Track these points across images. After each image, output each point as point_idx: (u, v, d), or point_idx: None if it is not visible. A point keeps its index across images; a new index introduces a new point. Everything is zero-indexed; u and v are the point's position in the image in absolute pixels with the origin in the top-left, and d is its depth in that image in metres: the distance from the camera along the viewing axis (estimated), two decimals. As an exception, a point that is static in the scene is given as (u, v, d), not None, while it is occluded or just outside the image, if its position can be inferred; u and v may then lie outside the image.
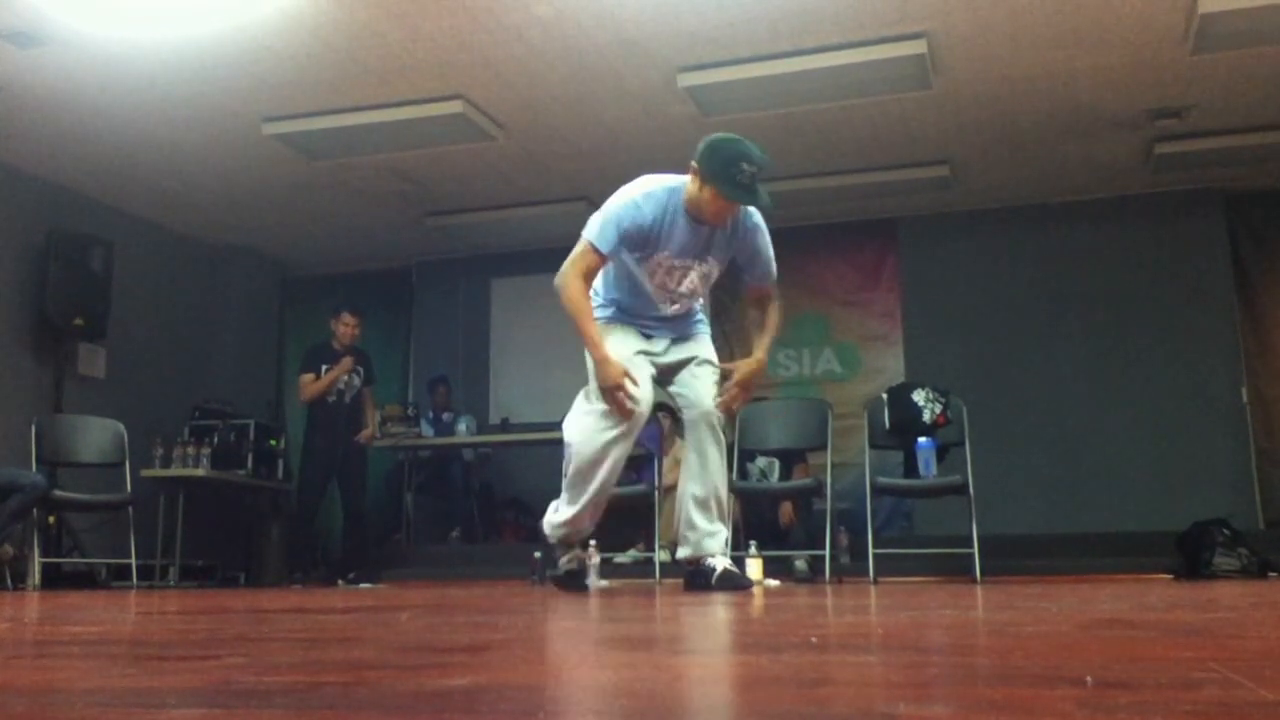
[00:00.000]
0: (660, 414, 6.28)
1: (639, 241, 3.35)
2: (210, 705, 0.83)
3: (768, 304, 3.61)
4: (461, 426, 7.80)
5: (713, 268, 3.49)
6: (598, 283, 3.54)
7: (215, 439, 6.87)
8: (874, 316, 7.72)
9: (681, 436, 6.66)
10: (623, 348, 3.44)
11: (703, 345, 3.64)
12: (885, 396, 5.77)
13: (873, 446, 5.70)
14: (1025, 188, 7.16)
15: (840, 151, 6.34)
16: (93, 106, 5.70)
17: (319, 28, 4.94)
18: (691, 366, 3.55)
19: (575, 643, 1.50)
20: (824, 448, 5.68)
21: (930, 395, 5.64)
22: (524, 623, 1.96)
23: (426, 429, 7.74)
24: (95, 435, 6.11)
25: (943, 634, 1.55)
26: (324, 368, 6.70)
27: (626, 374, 3.36)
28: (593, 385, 3.47)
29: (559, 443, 5.90)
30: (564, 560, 3.74)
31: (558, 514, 3.62)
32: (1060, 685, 0.87)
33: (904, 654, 1.23)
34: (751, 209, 3.44)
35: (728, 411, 3.58)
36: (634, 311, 3.53)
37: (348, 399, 6.73)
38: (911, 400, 5.65)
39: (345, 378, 6.71)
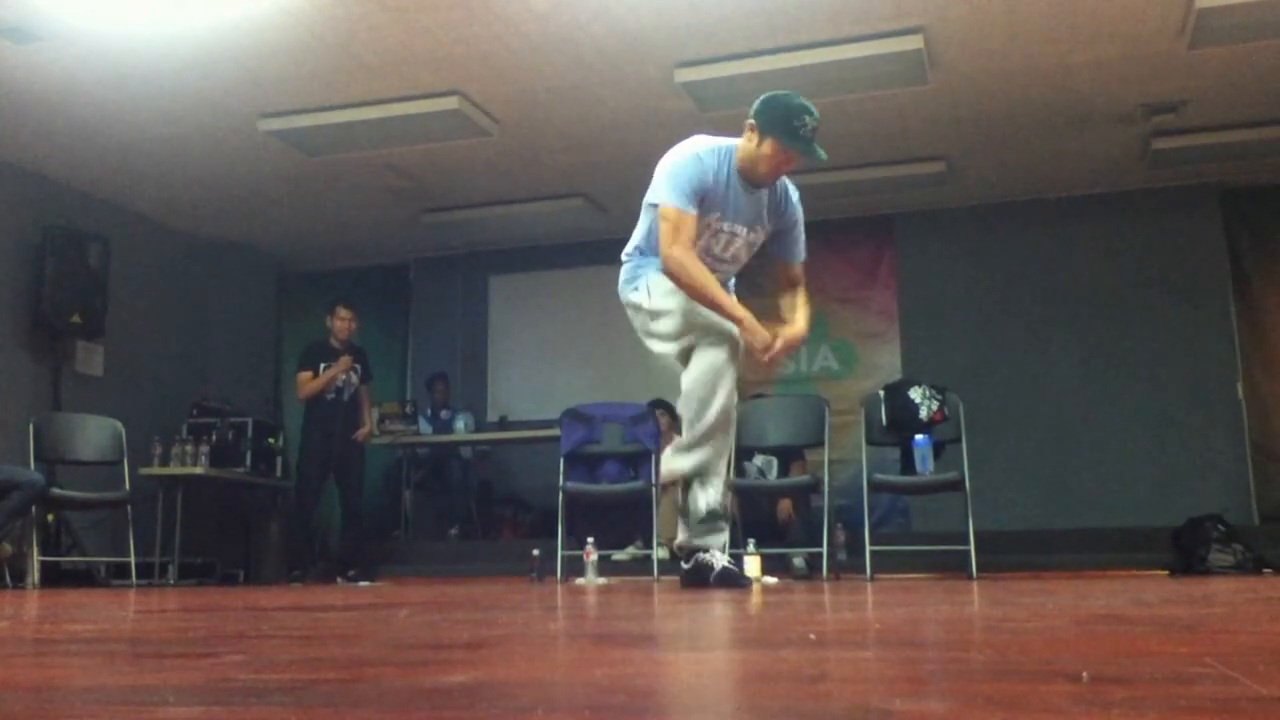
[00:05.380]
0: (658, 411, 6.30)
1: (705, 193, 3.28)
2: (209, 703, 0.84)
3: (799, 288, 3.56)
4: (460, 424, 7.80)
5: (759, 236, 3.45)
6: (646, 243, 3.43)
7: (213, 436, 6.86)
8: (871, 313, 7.73)
9: (679, 433, 6.68)
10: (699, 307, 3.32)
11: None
12: (882, 393, 5.77)
13: (870, 443, 5.70)
14: (1022, 183, 7.17)
15: (837, 147, 6.28)
16: (89, 102, 5.69)
17: (315, 23, 4.93)
18: None
19: (574, 640, 1.50)
20: (821, 445, 5.69)
21: (927, 392, 5.65)
22: (523, 620, 1.96)
23: (425, 426, 7.75)
24: (93, 433, 6.11)
25: (939, 630, 1.55)
26: (322, 365, 6.70)
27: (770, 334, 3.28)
28: (664, 331, 3.36)
29: (557, 439, 5.95)
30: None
31: (708, 480, 3.32)
32: (1056, 680, 0.87)
33: (900, 650, 1.23)
34: (792, 188, 3.46)
35: (769, 369, 3.48)
36: None
37: (346, 396, 6.73)
38: (908, 397, 5.65)
39: (343, 375, 6.71)
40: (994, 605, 2.20)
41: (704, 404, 3.28)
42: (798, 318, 3.50)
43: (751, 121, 3.28)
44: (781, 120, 3.21)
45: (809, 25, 5.03)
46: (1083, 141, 6.48)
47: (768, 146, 3.24)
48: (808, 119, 3.21)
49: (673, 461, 3.42)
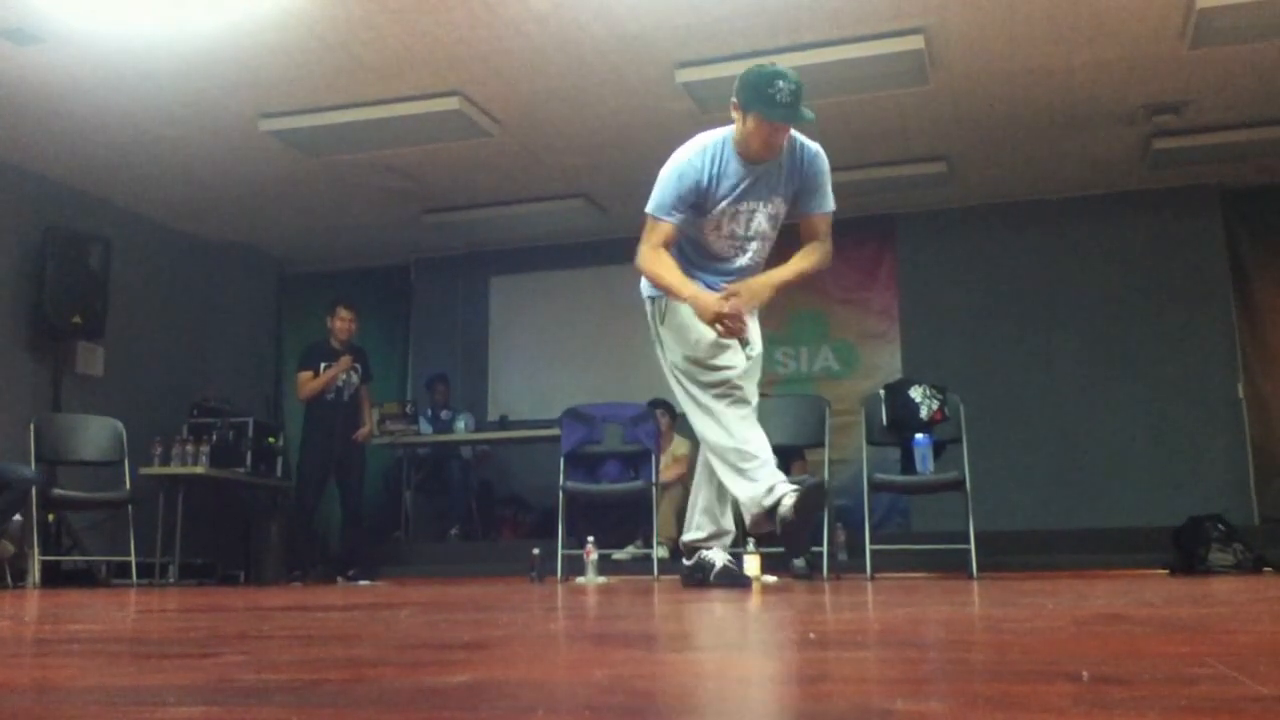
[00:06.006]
0: (658, 411, 6.29)
1: (698, 195, 3.34)
2: (210, 703, 0.84)
3: (820, 238, 3.52)
4: (460, 424, 7.80)
5: (779, 206, 3.46)
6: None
7: (214, 437, 6.86)
8: (871, 314, 7.73)
9: (679, 434, 6.68)
10: (704, 329, 3.38)
11: (754, 327, 3.56)
12: (883, 393, 5.77)
13: (870, 443, 5.70)
14: (1022, 184, 7.17)
15: (837, 148, 6.27)
16: (90, 103, 5.69)
17: (316, 24, 4.94)
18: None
19: (574, 640, 1.50)
20: (822, 445, 5.68)
21: (927, 392, 5.64)
22: (523, 620, 1.96)
23: (425, 426, 7.75)
24: (94, 433, 6.11)
25: (939, 630, 1.55)
26: (322, 365, 6.70)
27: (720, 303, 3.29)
28: (687, 380, 3.44)
29: (557, 439, 5.96)
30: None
31: (756, 485, 3.31)
32: (1056, 680, 0.87)
33: (901, 650, 1.23)
34: (809, 144, 3.44)
35: (729, 331, 3.37)
36: (707, 270, 3.47)
37: (346, 397, 6.73)
38: (909, 397, 5.65)
39: (343, 375, 6.72)
40: (994, 605, 2.20)
41: (729, 459, 3.38)
42: (784, 266, 3.48)
43: (734, 100, 3.31)
44: (756, 92, 3.23)
45: (810, 26, 5.03)
46: (1083, 142, 6.48)
47: (751, 122, 3.27)
48: (782, 84, 3.20)
49: (749, 492, 3.37)
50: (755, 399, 3.57)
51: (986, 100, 5.88)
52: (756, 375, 3.57)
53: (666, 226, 3.37)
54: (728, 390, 3.38)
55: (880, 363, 7.54)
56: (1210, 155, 6.54)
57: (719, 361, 3.41)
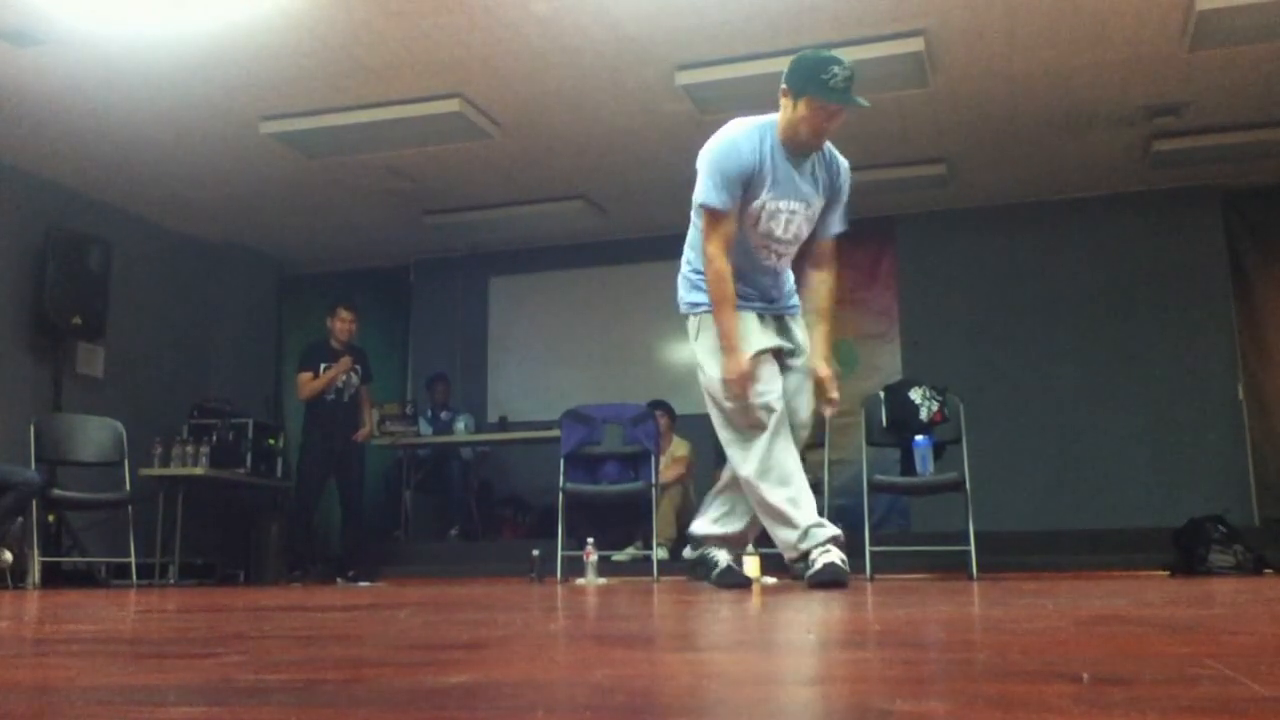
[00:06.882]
0: (658, 412, 6.30)
1: (747, 178, 3.23)
2: (210, 702, 0.84)
3: (826, 265, 3.51)
4: (460, 424, 7.80)
5: (815, 208, 3.38)
6: (694, 248, 3.39)
7: (214, 437, 6.87)
8: (871, 314, 7.72)
9: (679, 435, 6.68)
10: (744, 345, 3.28)
11: (798, 334, 3.50)
12: (882, 394, 5.77)
13: (870, 444, 5.70)
14: (1022, 185, 7.17)
15: (837, 149, 6.33)
16: (90, 105, 5.70)
17: (317, 26, 4.94)
18: (791, 373, 3.42)
19: (573, 640, 1.50)
20: (821, 445, 5.68)
21: (927, 393, 5.64)
22: (522, 620, 1.96)
23: (425, 427, 7.75)
24: (94, 434, 6.11)
25: (939, 630, 1.55)
26: (322, 366, 6.71)
27: (751, 370, 3.23)
28: (715, 407, 3.35)
29: (557, 440, 5.96)
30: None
31: (792, 529, 3.24)
32: (1056, 681, 0.87)
33: (900, 650, 1.23)
34: (842, 159, 3.42)
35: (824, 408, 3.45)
36: (737, 274, 3.31)
37: (346, 397, 6.74)
38: (908, 398, 5.65)
39: (343, 376, 6.72)
40: (994, 606, 2.20)
41: (780, 494, 3.27)
42: (822, 339, 3.46)
43: (784, 87, 3.23)
44: (810, 76, 3.16)
45: (810, 28, 5.03)
46: (1083, 143, 6.49)
47: (803, 106, 3.19)
48: (837, 69, 3.16)
49: (780, 534, 3.30)
50: (803, 417, 3.45)
51: (986, 102, 5.88)
52: (806, 387, 3.43)
53: (726, 219, 3.23)
54: (759, 419, 3.26)
55: (880, 363, 7.54)
56: (1210, 156, 6.54)
57: (753, 388, 3.28)
